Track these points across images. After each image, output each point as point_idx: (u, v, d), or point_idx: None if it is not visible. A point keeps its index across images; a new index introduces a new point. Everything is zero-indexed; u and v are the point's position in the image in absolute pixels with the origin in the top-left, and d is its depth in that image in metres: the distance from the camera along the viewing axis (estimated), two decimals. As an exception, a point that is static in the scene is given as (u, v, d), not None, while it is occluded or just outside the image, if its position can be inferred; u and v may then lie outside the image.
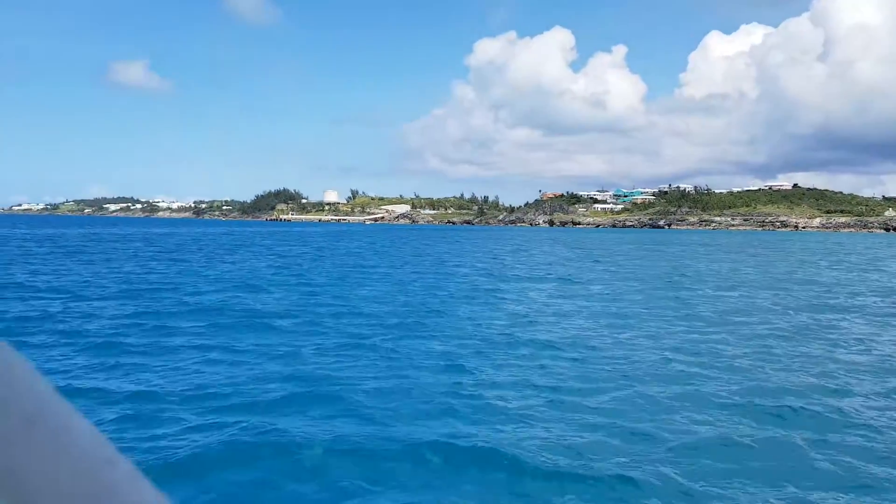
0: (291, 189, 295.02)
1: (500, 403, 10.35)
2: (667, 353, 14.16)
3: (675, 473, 7.68)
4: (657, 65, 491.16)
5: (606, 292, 25.84)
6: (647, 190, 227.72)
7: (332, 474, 7.62)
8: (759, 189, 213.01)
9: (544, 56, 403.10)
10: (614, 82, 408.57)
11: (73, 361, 12.65)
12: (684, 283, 30.05)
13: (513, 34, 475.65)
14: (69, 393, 10.33)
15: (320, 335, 15.72)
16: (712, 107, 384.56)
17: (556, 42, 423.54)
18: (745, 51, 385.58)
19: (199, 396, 10.39)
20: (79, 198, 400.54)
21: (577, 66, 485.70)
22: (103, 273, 29.93)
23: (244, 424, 9.06)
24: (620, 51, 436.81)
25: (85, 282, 25.96)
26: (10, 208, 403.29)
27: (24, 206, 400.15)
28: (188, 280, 27.53)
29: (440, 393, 10.90)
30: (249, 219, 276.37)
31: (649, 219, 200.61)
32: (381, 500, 7.10)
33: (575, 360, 13.46)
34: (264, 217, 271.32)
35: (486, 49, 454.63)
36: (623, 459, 8.06)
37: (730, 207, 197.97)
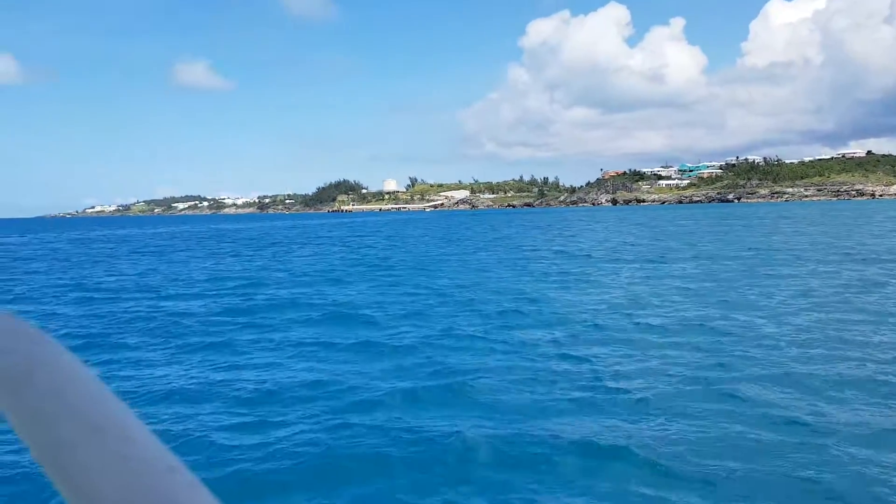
0: (351, 180, 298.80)
1: (633, 395, 9.74)
2: (801, 334, 13.28)
3: (857, 470, 6.96)
4: (717, 35, 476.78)
5: (706, 272, 24.77)
6: (712, 164, 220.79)
7: (471, 472, 7.34)
8: (832, 158, 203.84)
9: (599, 33, 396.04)
10: (673, 56, 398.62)
11: (189, 358, 12.65)
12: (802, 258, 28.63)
13: (566, 13, 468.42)
14: (182, 395, 10.26)
15: (422, 326, 15.41)
16: (776, 75, 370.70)
17: (611, 18, 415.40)
18: (807, 17, 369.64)
19: (317, 395, 10.14)
20: (149, 198, 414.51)
21: (633, 41, 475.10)
22: (193, 268, 30.48)
23: (371, 422, 8.80)
24: (678, 23, 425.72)
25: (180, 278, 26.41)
26: (84, 211, 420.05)
27: (98, 209, 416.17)
28: (271, 275, 27.74)
29: (563, 384, 10.39)
30: (311, 211, 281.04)
31: (717, 193, 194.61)
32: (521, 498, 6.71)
33: (695, 345, 12.72)
34: (326, 209, 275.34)
35: (540, 29, 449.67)
36: (797, 456, 7.36)
37: (802, 178, 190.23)
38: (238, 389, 10.43)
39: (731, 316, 15.55)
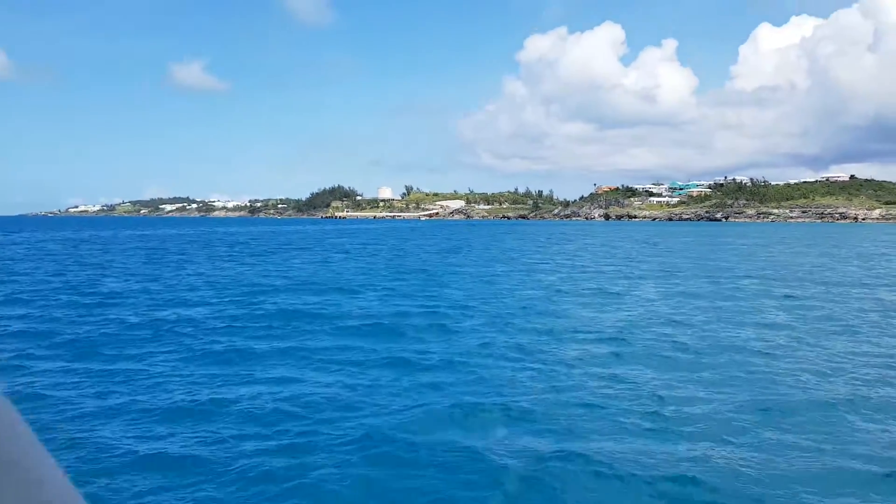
0: (346, 186, 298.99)
1: (680, 416, 10.20)
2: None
3: None
4: (708, 58, 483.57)
5: (719, 290, 26.60)
6: (702, 182, 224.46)
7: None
8: (816, 181, 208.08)
9: (595, 51, 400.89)
10: (665, 76, 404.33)
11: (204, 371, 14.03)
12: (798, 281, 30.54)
13: (563, 30, 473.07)
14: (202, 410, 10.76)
15: (445, 341, 15.95)
16: (764, 99, 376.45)
17: (607, 37, 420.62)
18: (795, 43, 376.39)
19: (344, 415, 10.12)
20: (135, 199, 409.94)
21: (627, 60, 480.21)
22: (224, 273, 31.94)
23: (419, 440, 9.02)
24: (671, 45, 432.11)
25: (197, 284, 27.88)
26: (67, 210, 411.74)
27: (81, 208, 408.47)
28: (273, 283, 29.24)
29: (608, 404, 10.88)
30: (305, 217, 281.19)
31: (706, 211, 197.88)
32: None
33: (736, 363, 13.96)
34: (319, 215, 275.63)
35: (537, 45, 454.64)
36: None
37: (787, 199, 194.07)
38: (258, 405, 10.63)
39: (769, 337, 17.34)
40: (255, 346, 15.08)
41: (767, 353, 14.54)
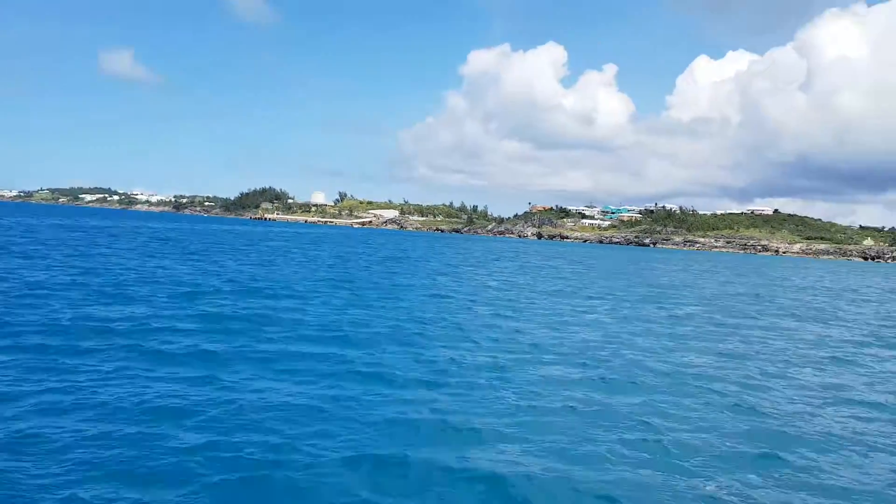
0: (277, 188, 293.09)
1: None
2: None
3: None
4: (646, 86, 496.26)
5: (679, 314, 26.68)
6: (633, 208, 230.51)
7: None
8: (742, 212, 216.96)
9: (537, 70, 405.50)
10: (603, 100, 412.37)
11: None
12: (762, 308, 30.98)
13: (507, 46, 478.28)
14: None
15: (412, 355, 15.80)
16: (697, 130, 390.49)
17: (549, 57, 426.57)
18: (730, 77, 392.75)
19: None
20: (54, 186, 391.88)
21: (568, 82, 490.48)
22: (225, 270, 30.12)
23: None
24: (611, 69, 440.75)
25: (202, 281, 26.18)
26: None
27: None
28: (214, 284, 27.88)
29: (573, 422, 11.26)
30: (232, 216, 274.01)
31: (635, 236, 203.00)
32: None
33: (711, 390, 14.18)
34: (248, 215, 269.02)
35: (480, 60, 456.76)
36: None
37: (713, 229, 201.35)
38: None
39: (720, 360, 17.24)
40: (206, 349, 14.32)
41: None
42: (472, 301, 27.34)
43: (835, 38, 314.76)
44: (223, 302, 21.72)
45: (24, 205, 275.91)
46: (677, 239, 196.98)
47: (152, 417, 9.87)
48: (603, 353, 17.37)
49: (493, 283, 37.29)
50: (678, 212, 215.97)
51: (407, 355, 15.50)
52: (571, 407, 11.87)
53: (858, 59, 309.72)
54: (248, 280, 29.27)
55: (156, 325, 16.81)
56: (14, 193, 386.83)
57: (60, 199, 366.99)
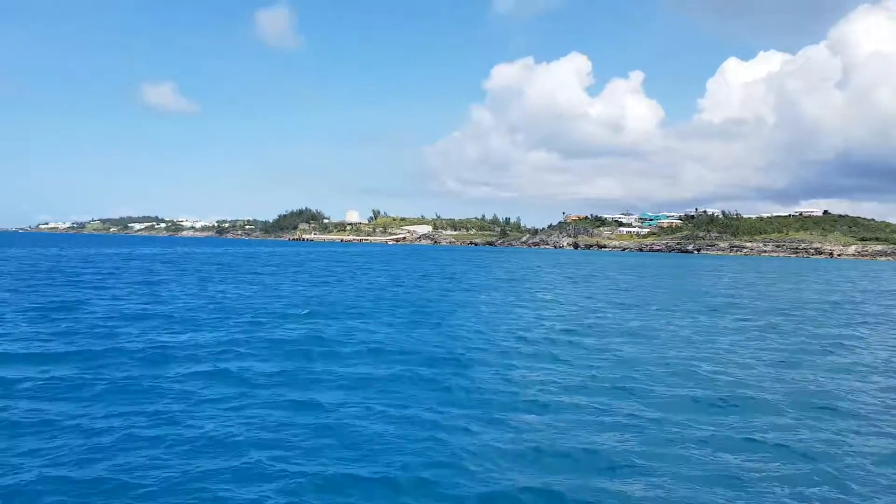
0: (313, 209, 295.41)
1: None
2: None
3: None
4: (675, 91, 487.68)
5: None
6: (672, 214, 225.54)
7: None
8: (790, 215, 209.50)
9: (561, 81, 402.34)
10: (631, 107, 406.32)
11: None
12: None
13: (530, 59, 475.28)
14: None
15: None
16: (730, 132, 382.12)
17: (573, 67, 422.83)
18: (762, 77, 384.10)
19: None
20: (104, 217, 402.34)
21: (593, 91, 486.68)
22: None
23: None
24: (637, 76, 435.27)
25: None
26: (38, 227, 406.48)
27: (51, 225, 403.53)
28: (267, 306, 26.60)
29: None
30: (272, 238, 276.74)
31: (677, 243, 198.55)
32: None
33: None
34: (287, 237, 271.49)
35: (504, 73, 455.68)
36: None
37: (760, 233, 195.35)
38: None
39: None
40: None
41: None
42: (538, 317, 25.61)
43: (869, 33, 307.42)
44: (323, 323, 20.73)
45: (77, 236, 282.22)
46: (722, 244, 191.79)
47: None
48: (704, 368, 15.61)
49: (549, 297, 35.45)
50: (721, 216, 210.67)
51: (499, 377, 14.27)
52: (710, 436, 10.46)
53: (894, 53, 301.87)
54: (318, 304, 28.03)
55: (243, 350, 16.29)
56: (67, 225, 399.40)
57: (111, 229, 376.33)
